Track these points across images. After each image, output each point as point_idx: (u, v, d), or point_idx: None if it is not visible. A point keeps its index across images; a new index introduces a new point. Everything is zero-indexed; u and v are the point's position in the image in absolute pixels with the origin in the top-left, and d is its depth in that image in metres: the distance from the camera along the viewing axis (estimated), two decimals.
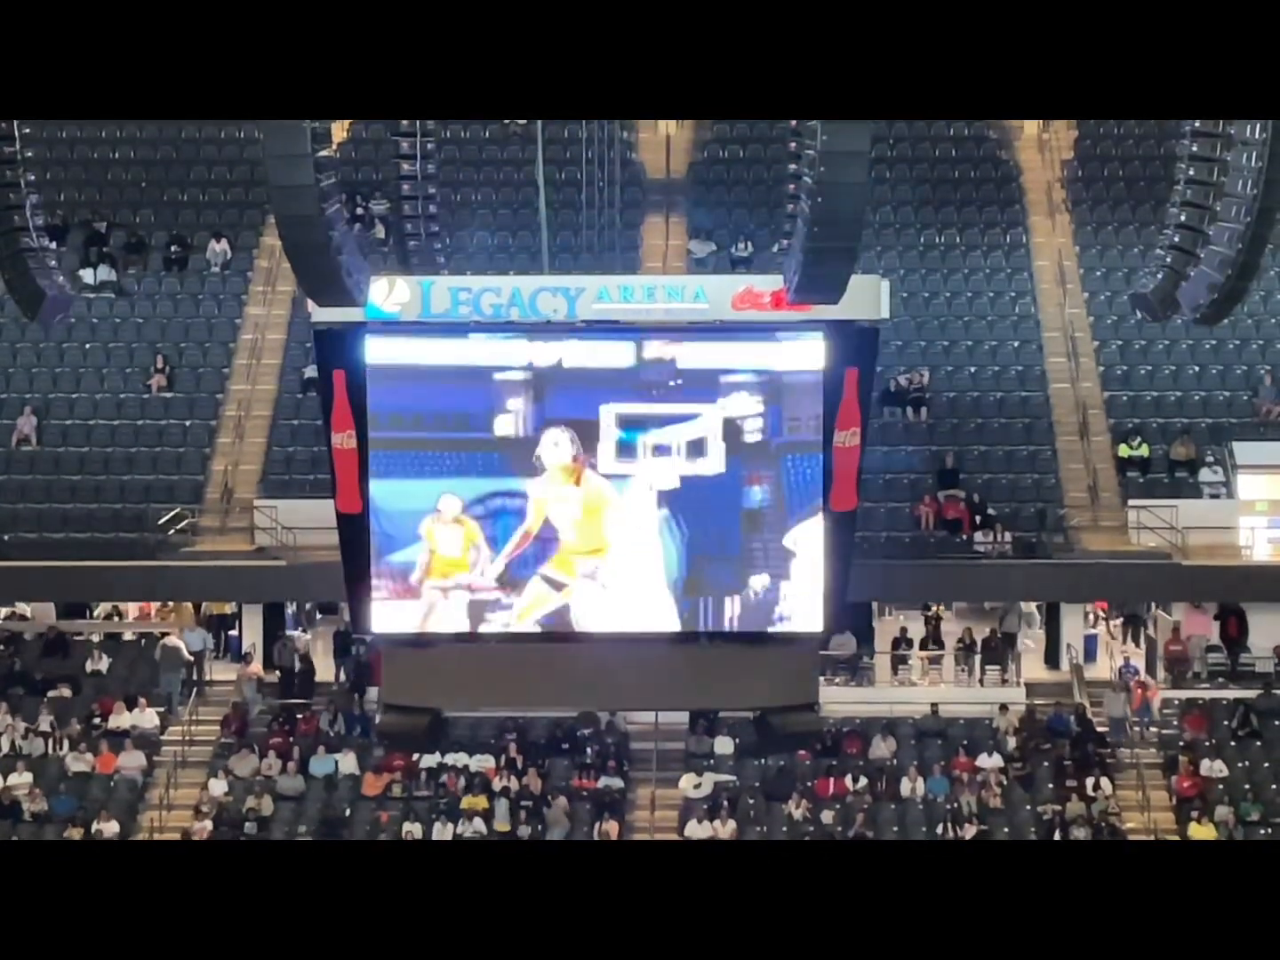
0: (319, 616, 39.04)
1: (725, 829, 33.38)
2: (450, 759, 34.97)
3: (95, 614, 39.74)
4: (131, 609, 39.75)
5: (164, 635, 37.66)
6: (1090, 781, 34.14)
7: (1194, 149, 26.49)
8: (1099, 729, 35.15)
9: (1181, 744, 35.20)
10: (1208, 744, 35.11)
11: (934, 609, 38.02)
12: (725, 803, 33.81)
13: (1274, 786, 34.37)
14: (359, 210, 40.44)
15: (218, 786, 34.56)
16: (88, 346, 39.89)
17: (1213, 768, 34.54)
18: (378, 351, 27.77)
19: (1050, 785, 34.46)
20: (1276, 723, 35.69)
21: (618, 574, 28.39)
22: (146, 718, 35.94)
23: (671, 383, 27.76)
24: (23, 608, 39.11)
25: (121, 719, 35.86)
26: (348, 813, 34.32)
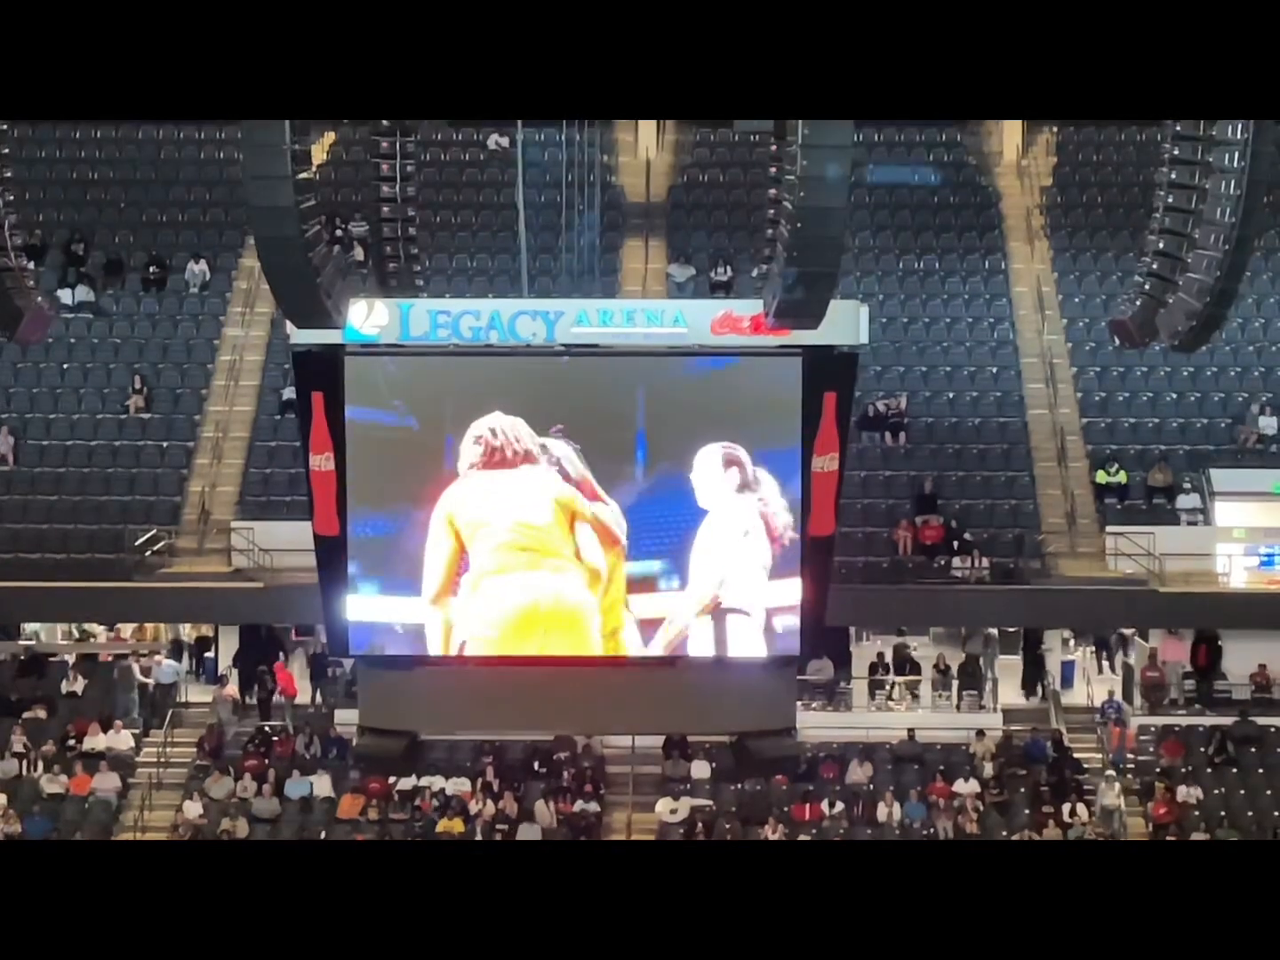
0: (295, 638, 38.94)
1: None
2: (426, 781, 34.93)
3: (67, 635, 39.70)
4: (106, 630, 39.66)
5: (139, 657, 37.72)
6: (1067, 808, 34.14)
7: (1173, 176, 26.56)
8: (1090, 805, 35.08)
9: (1158, 770, 35.22)
10: (1184, 770, 35.13)
11: (1044, 640, 37.63)
12: (701, 827, 33.76)
13: (1250, 813, 34.39)
14: (338, 232, 40.43)
15: (192, 809, 34.45)
16: (65, 366, 39.82)
17: (1189, 794, 34.56)
18: None
19: (1027, 811, 34.44)
20: (1253, 749, 35.73)
21: None
22: (121, 739, 35.84)
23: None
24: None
25: (96, 740, 35.76)
26: (323, 835, 34.19)
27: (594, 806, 34.63)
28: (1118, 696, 36.81)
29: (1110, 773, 34.72)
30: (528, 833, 33.63)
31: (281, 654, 37.62)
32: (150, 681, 37.25)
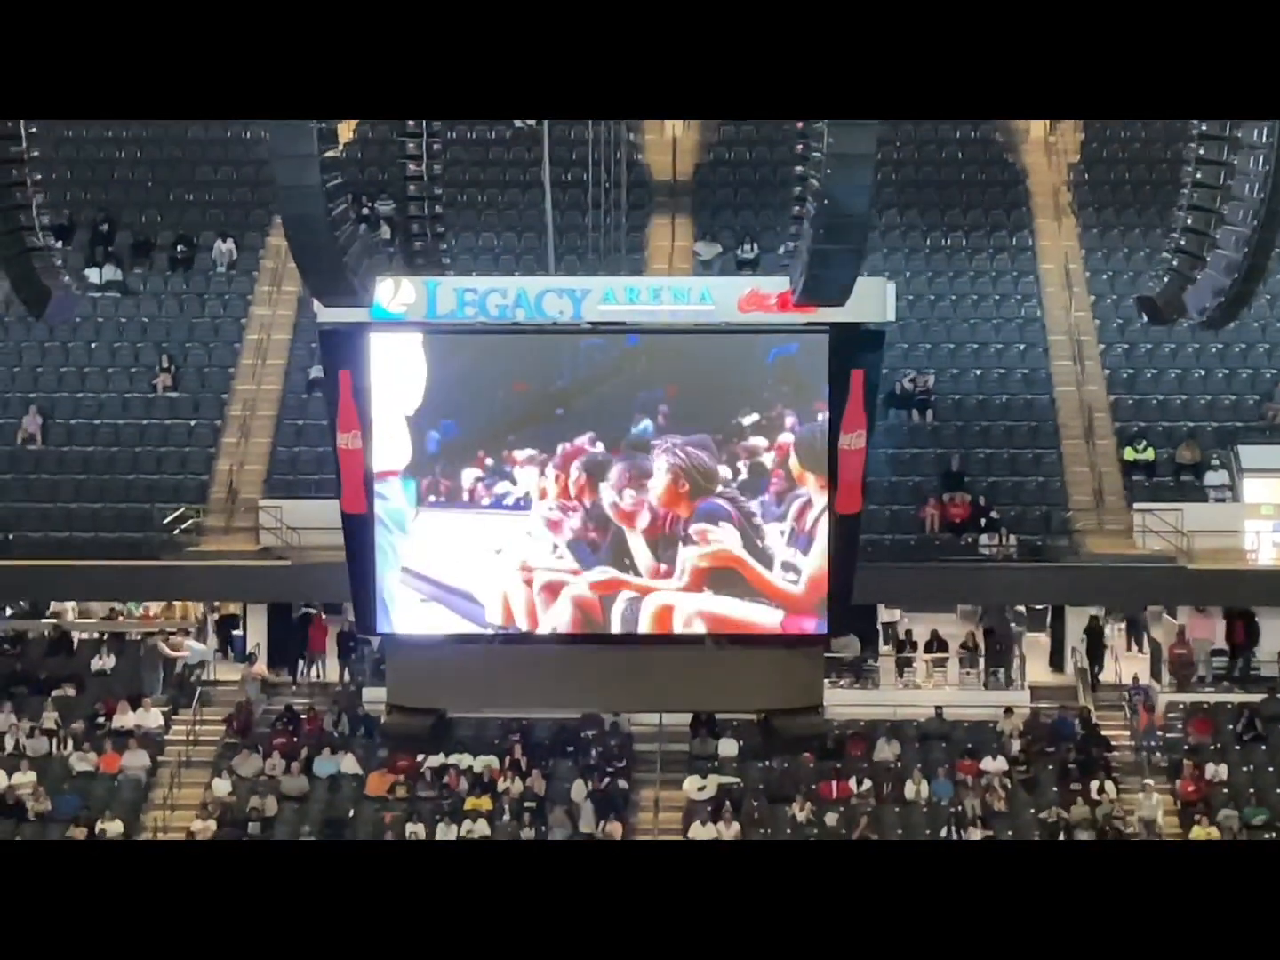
0: (324, 617, 39.02)
1: (729, 831, 33.39)
2: (454, 759, 35.01)
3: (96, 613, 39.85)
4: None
5: (166, 635, 37.91)
6: (1095, 785, 34.13)
7: (1201, 152, 26.45)
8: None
9: (1186, 748, 35.18)
10: (1212, 748, 35.10)
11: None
12: (729, 805, 33.81)
13: (1278, 791, 34.34)
14: (365, 211, 40.41)
15: (221, 786, 34.59)
16: (93, 346, 39.92)
17: (1217, 772, 34.52)
18: None
19: (1054, 788, 34.44)
20: None
21: None
22: (151, 717, 36.00)
23: None
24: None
25: (126, 718, 35.91)
26: (351, 813, 34.34)
27: (622, 784, 34.69)
28: (1146, 675, 36.77)
29: (1149, 781, 34.46)
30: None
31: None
32: (178, 658, 37.42)
